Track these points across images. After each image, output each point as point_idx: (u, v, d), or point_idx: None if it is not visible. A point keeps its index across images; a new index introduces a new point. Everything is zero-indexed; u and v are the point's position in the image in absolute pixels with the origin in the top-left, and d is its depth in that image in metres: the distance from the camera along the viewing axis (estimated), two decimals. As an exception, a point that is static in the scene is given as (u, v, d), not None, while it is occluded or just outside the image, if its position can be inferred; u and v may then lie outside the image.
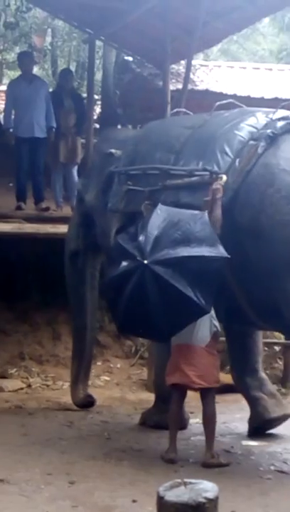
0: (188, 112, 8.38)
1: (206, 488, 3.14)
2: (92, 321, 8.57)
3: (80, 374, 8.45)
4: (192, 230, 6.21)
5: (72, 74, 12.38)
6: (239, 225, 6.51)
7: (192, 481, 3.19)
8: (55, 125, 10.70)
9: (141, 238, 6.27)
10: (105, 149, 7.99)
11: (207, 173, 6.75)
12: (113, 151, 7.82)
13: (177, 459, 6.50)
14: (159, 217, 6.39)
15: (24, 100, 10.54)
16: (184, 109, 8.63)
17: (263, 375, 7.92)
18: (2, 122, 11.52)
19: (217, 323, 6.66)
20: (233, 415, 8.27)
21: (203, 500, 3.08)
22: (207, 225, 6.26)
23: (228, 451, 7.03)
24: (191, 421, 7.76)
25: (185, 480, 3.18)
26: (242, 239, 6.49)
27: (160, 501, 3.10)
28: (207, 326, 6.52)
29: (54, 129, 10.72)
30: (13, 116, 10.64)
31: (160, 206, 6.57)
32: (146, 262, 6.11)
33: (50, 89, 11.39)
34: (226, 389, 8.40)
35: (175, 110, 8.64)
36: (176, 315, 6.15)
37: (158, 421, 7.39)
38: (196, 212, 6.41)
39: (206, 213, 6.34)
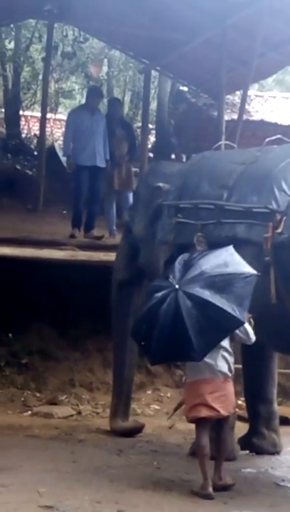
0: (232, 144, 8.51)
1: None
2: (131, 356, 8.57)
3: (119, 409, 8.55)
4: (233, 283, 6.33)
5: (120, 102, 12.53)
6: None
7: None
8: (108, 157, 10.88)
9: (192, 265, 6.47)
10: (152, 182, 8.12)
11: (267, 209, 6.82)
12: (161, 184, 7.94)
13: (213, 495, 6.35)
14: (220, 256, 6.57)
15: (86, 130, 10.71)
16: (228, 142, 8.75)
17: (276, 407, 8.22)
18: (61, 149, 11.67)
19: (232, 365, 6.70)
20: (285, 448, 8.18)
21: None
22: (249, 285, 6.35)
23: (278, 485, 6.94)
24: (241, 452, 7.72)
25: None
26: None
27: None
28: (227, 364, 6.56)
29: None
30: (72, 145, 10.75)
31: (229, 248, 6.68)
32: (177, 286, 6.30)
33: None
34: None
35: (218, 144, 8.70)
36: (171, 347, 6.25)
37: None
38: (250, 270, 6.45)
39: (255, 276, 6.39)
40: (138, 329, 6.68)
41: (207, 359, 6.38)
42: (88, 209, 10.90)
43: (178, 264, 6.59)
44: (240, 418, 8.43)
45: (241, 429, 8.18)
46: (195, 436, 7.53)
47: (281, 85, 22.20)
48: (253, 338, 6.58)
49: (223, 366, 6.54)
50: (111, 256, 9.50)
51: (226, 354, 6.57)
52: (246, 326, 6.48)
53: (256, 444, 8.01)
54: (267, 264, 6.71)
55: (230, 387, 6.66)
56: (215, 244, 7.01)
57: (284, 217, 6.75)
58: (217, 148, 8.60)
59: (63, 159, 13.63)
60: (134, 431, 8.48)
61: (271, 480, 7.08)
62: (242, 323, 6.30)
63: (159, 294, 6.37)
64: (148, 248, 7.96)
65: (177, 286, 6.31)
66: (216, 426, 6.73)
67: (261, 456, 7.93)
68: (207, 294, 6.23)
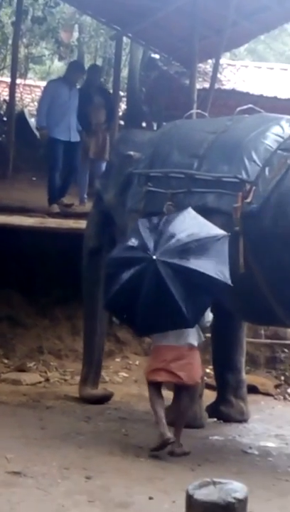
0: (204, 113, 8.54)
1: (235, 488, 3.12)
2: (102, 325, 8.58)
3: (89, 377, 8.57)
4: (208, 247, 6.35)
5: (100, 70, 12.37)
6: (271, 232, 6.67)
7: (222, 480, 3.17)
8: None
9: (160, 233, 6.43)
10: (123, 151, 8.12)
11: (237, 179, 6.86)
12: (132, 153, 7.92)
13: (172, 437, 6.52)
14: (185, 220, 6.55)
15: (63, 105, 10.59)
16: (199, 110, 8.75)
17: (244, 376, 8.30)
18: (31, 115, 11.54)
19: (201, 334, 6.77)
20: (251, 416, 8.25)
21: (233, 501, 3.05)
22: (225, 247, 6.39)
23: (245, 452, 7.01)
24: (208, 420, 7.78)
25: (215, 479, 3.16)
26: (274, 245, 6.66)
27: (190, 500, 3.08)
28: (196, 333, 6.64)
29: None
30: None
31: (189, 210, 6.70)
32: (154, 257, 6.27)
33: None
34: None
35: (189, 112, 8.68)
36: (161, 318, 6.33)
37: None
38: (220, 231, 6.50)
39: (227, 236, 6.45)
40: (115, 302, 6.64)
41: None
42: (63, 179, 10.82)
43: (143, 232, 6.52)
44: (208, 386, 8.50)
45: (209, 397, 8.24)
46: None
47: (253, 54, 22.16)
48: (208, 324, 6.69)
49: (190, 334, 6.60)
50: (81, 223, 9.46)
51: (196, 328, 6.61)
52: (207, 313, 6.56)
53: (224, 412, 8.06)
54: (236, 234, 6.75)
55: (196, 356, 6.72)
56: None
57: (254, 187, 6.80)
58: (189, 116, 8.57)
59: (32, 125, 13.58)
60: (103, 398, 8.49)
61: (239, 447, 7.15)
62: (227, 285, 6.27)
63: (137, 267, 6.32)
64: (118, 216, 7.96)
65: (154, 257, 6.27)
66: (177, 393, 6.86)
67: (229, 423, 8.00)
68: (187, 262, 6.24)
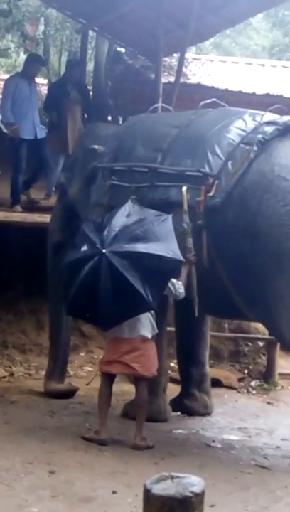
0: (168, 107, 8.62)
1: (193, 482, 3.13)
2: (67, 319, 8.56)
3: (55, 372, 8.59)
4: (154, 230, 6.52)
5: (78, 64, 12.26)
6: (234, 226, 6.71)
7: (180, 474, 3.18)
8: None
9: (105, 229, 6.55)
10: (88, 144, 8.10)
11: (199, 173, 6.88)
12: (96, 147, 7.92)
13: (108, 441, 6.65)
14: (126, 212, 6.70)
15: (25, 100, 10.39)
16: (164, 104, 8.77)
17: (208, 370, 8.35)
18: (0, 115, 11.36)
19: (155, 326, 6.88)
20: (215, 409, 8.30)
21: (190, 495, 3.06)
22: (169, 227, 6.54)
23: (209, 445, 7.05)
24: (172, 414, 7.81)
25: (173, 474, 3.18)
26: (236, 239, 6.71)
27: (147, 494, 3.09)
28: (149, 324, 6.77)
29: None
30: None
31: (129, 202, 6.87)
32: (104, 250, 6.40)
33: (53, 80, 11.25)
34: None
35: (154, 106, 8.69)
36: (122, 306, 6.42)
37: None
38: (162, 214, 6.70)
39: (170, 216, 6.60)
40: (76, 305, 6.74)
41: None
42: (32, 173, 10.71)
43: (89, 232, 6.66)
44: (172, 380, 8.52)
45: (173, 390, 8.27)
46: (126, 398, 7.66)
47: (218, 49, 22.19)
48: (181, 295, 6.69)
49: (143, 327, 6.72)
50: (46, 217, 9.44)
51: (149, 314, 6.71)
52: (175, 281, 6.59)
53: (188, 405, 8.10)
54: (199, 228, 6.78)
55: (151, 348, 6.84)
56: (149, 207, 7.05)
57: (217, 181, 6.84)
58: (153, 110, 8.57)
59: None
60: (68, 393, 8.50)
61: (202, 441, 7.20)
62: (179, 262, 6.47)
63: (88, 265, 6.43)
64: (83, 210, 7.94)
65: (104, 251, 6.40)
66: (136, 386, 6.94)
67: (193, 417, 8.06)
68: (136, 247, 6.39)
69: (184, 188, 6.87)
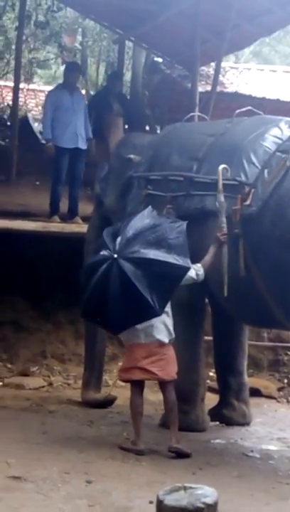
0: (204, 115, 8.68)
1: (206, 493, 3.12)
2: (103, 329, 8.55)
3: (91, 381, 8.64)
4: (167, 236, 6.53)
5: (119, 77, 12.28)
6: (271, 235, 6.68)
7: (193, 485, 3.17)
8: (91, 136, 10.70)
9: (121, 234, 6.59)
10: (124, 154, 8.14)
11: (236, 182, 6.87)
12: (132, 156, 7.94)
13: (145, 451, 6.66)
14: (142, 218, 6.69)
15: (67, 111, 10.44)
16: (200, 113, 8.77)
17: (246, 379, 8.31)
18: (34, 120, 11.40)
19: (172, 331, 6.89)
20: (254, 419, 8.25)
21: (202, 506, 3.06)
22: (182, 234, 6.57)
23: (247, 455, 7.01)
24: (211, 424, 7.78)
25: (186, 484, 3.17)
26: (273, 247, 6.68)
27: (160, 505, 3.10)
28: (165, 329, 6.80)
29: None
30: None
31: (148, 209, 6.84)
32: (115, 256, 6.43)
33: (93, 92, 11.27)
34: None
35: (190, 115, 8.68)
36: (129, 312, 6.45)
37: (179, 422, 7.37)
38: (177, 220, 6.74)
39: (185, 224, 6.61)
40: (89, 308, 6.79)
41: (140, 325, 6.63)
42: (70, 193, 10.60)
43: (106, 236, 6.69)
44: (211, 389, 8.50)
45: (212, 400, 8.24)
46: (163, 408, 7.65)
47: (258, 57, 22.11)
48: (201, 277, 6.75)
49: (160, 331, 6.76)
50: (83, 227, 9.51)
51: (165, 318, 6.73)
52: (195, 266, 6.69)
53: (226, 415, 8.06)
54: (236, 237, 6.76)
55: (169, 352, 6.87)
56: (185, 217, 7.05)
57: (253, 190, 6.80)
58: (189, 119, 8.58)
59: (36, 130, 13.55)
60: (106, 403, 8.50)
61: (240, 451, 7.15)
62: (187, 269, 6.52)
63: (101, 269, 6.48)
64: (119, 219, 7.94)
65: (115, 256, 6.43)
66: (162, 391, 6.94)
67: (231, 427, 8.02)
68: (146, 253, 6.42)
69: (221, 167, 6.84)
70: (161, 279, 6.41)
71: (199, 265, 6.75)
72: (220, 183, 6.82)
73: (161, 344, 6.78)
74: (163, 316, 6.69)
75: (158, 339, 6.76)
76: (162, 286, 6.42)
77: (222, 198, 6.78)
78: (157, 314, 6.49)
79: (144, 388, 7.05)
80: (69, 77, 10.81)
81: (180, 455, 6.67)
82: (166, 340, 6.81)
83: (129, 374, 6.87)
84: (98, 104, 11.12)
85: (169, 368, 6.83)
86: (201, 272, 6.74)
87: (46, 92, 13.52)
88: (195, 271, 6.70)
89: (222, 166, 6.85)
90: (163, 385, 6.93)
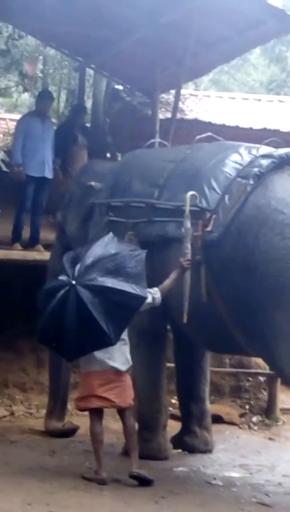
0: (165, 142, 8.73)
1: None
2: None
3: (55, 410, 8.59)
4: (125, 265, 6.53)
5: (85, 109, 12.26)
6: (232, 261, 6.69)
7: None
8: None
9: (81, 260, 6.57)
10: (85, 181, 8.16)
11: (197, 208, 6.88)
12: (93, 183, 7.95)
13: (108, 480, 6.61)
14: (102, 245, 6.68)
15: (36, 138, 10.42)
16: (159, 140, 8.81)
17: (208, 406, 8.28)
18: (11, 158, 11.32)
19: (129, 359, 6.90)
20: (216, 446, 8.24)
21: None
22: (141, 263, 6.58)
23: (210, 483, 6.98)
24: (173, 451, 7.75)
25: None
26: (234, 273, 6.68)
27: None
28: (122, 357, 6.80)
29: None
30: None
31: (108, 236, 6.82)
32: (74, 282, 6.42)
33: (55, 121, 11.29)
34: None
35: (150, 141, 8.72)
36: (84, 339, 6.44)
37: (140, 451, 7.35)
38: (137, 249, 6.77)
39: (144, 253, 6.64)
40: (45, 333, 6.74)
41: (97, 353, 6.62)
42: (32, 221, 10.54)
43: (65, 262, 6.67)
44: (173, 417, 8.47)
45: (173, 428, 8.21)
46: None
47: (217, 85, 22.33)
48: (158, 301, 6.75)
49: (115, 359, 6.74)
50: (45, 255, 9.49)
51: (122, 346, 6.76)
52: (152, 290, 6.71)
53: (189, 442, 8.04)
54: (198, 263, 6.77)
55: (126, 379, 6.87)
56: (147, 243, 7.07)
57: (214, 216, 6.81)
58: (150, 146, 8.61)
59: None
60: (69, 432, 8.45)
61: (203, 478, 7.13)
62: (144, 299, 6.53)
63: (58, 294, 6.46)
64: (80, 247, 7.93)
65: (74, 282, 6.42)
66: (121, 418, 6.92)
67: (194, 454, 8.00)
68: (104, 281, 6.41)
69: (189, 194, 6.85)
70: (118, 308, 6.41)
71: (156, 289, 6.76)
72: (187, 209, 6.82)
73: (118, 372, 6.78)
74: (120, 344, 6.69)
75: (114, 367, 6.75)
76: (118, 314, 6.43)
77: (188, 224, 6.79)
78: (112, 343, 6.48)
79: (104, 417, 7.01)
80: (41, 105, 10.82)
81: (142, 481, 6.65)
82: (123, 369, 6.81)
83: (86, 402, 6.84)
84: (63, 135, 11.11)
85: (126, 394, 6.84)
86: (158, 295, 6.75)
87: (8, 120, 13.56)
88: (152, 295, 6.71)
89: (190, 193, 6.87)
90: (121, 412, 6.93)
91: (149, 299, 6.68)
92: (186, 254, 6.79)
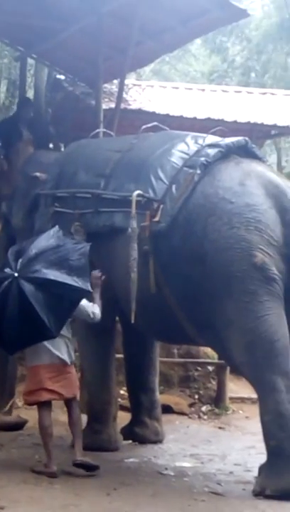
0: (110, 132, 8.65)
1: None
2: None
3: (1, 405, 8.56)
4: (68, 257, 6.50)
5: (31, 103, 12.07)
6: (180, 251, 6.66)
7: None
8: None
9: (24, 253, 6.54)
10: (29, 172, 8.07)
11: (144, 198, 6.80)
12: (38, 174, 7.86)
13: (58, 473, 6.61)
14: (46, 238, 6.64)
15: None
16: (104, 129, 8.74)
17: (158, 396, 8.29)
18: None
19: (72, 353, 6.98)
20: (167, 436, 8.22)
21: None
22: (84, 256, 6.55)
23: (161, 473, 6.95)
24: (123, 442, 7.71)
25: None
26: (182, 263, 6.65)
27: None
28: (67, 349, 6.87)
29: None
30: None
31: (54, 229, 6.78)
32: (16, 274, 6.36)
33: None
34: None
35: (95, 132, 8.65)
36: (26, 332, 6.39)
37: (90, 443, 7.34)
38: (81, 242, 6.75)
39: (88, 246, 6.61)
40: None
41: (46, 344, 6.65)
42: None
43: (10, 255, 6.62)
44: (122, 408, 8.45)
45: (123, 419, 8.18)
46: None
47: (158, 75, 22.26)
48: (97, 317, 6.79)
49: (63, 352, 6.80)
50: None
51: (65, 340, 6.82)
52: (91, 305, 6.73)
53: (139, 433, 8.02)
54: (146, 253, 6.71)
55: (71, 371, 6.92)
56: (93, 234, 7.00)
57: (161, 206, 6.77)
58: (95, 136, 8.53)
59: None
60: (17, 425, 8.36)
61: (154, 469, 7.12)
62: (86, 292, 6.51)
63: (2, 287, 6.37)
64: (26, 238, 7.83)
65: (16, 275, 6.36)
66: (67, 408, 6.96)
67: (144, 445, 7.99)
68: (46, 273, 6.35)
69: (135, 193, 6.80)
70: (59, 301, 6.37)
71: (96, 305, 6.81)
72: (134, 209, 6.75)
73: (65, 364, 6.79)
74: (65, 338, 6.78)
75: (62, 359, 6.78)
76: (60, 307, 6.39)
77: (134, 224, 6.72)
78: (53, 336, 6.45)
79: (52, 409, 6.97)
80: None
81: (88, 468, 6.64)
82: (68, 361, 6.84)
83: (36, 396, 6.80)
84: (7, 131, 10.95)
85: (73, 385, 6.89)
86: (97, 311, 6.80)
87: None
88: (92, 310, 6.77)
89: (136, 192, 6.80)
90: (68, 402, 6.95)
91: (89, 312, 6.75)
92: (132, 255, 6.70)
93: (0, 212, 8.85)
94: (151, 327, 7.35)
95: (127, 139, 7.75)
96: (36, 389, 6.77)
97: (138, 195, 6.83)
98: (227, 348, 6.64)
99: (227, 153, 7.00)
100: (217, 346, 7.03)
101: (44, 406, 6.82)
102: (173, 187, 6.84)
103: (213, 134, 7.27)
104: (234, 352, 6.55)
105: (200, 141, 7.14)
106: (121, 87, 11.39)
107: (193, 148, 7.06)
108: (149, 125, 7.64)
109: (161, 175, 6.93)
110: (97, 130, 8.91)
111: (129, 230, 6.73)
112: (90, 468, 6.66)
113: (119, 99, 11.38)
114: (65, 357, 6.79)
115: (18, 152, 10.72)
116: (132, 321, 6.78)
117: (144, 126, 7.55)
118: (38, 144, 11.47)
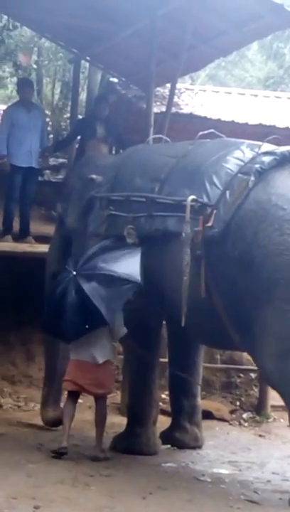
0: (166, 138, 8.69)
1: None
2: (64, 348, 8.42)
3: (50, 398, 8.53)
4: (122, 257, 7.23)
5: (107, 101, 12.15)
6: (231, 256, 6.65)
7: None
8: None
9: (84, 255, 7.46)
10: (86, 174, 8.11)
11: (198, 203, 6.81)
12: (94, 176, 7.91)
13: (68, 450, 7.17)
14: (101, 244, 7.44)
15: (22, 128, 10.35)
16: (163, 136, 8.77)
17: (199, 402, 8.31)
18: None
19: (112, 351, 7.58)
20: (206, 442, 8.18)
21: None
22: (136, 257, 7.18)
23: (198, 479, 6.93)
24: (162, 447, 7.70)
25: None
26: (231, 268, 6.65)
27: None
28: (102, 348, 7.37)
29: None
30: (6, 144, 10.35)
31: (106, 241, 7.45)
32: (74, 273, 7.25)
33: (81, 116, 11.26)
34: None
35: (156, 136, 8.66)
36: (83, 321, 7.19)
37: (129, 445, 7.35)
38: (135, 249, 7.29)
39: (140, 249, 7.20)
40: (49, 322, 7.61)
41: (83, 342, 7.26)
42: (21, 212, 10.46)
43: (69, 261, 7.52)
44: (163, 412, 8.42)
45: (163, 423, 8.16)
46: (116, 430, 7.61)
47: (213, 80, 22.23)
48: (121, 332, 7.32)
49: (98, 352, 7.30)
50: (36, 247, 9.44)
51: (104, 341, 7.34)
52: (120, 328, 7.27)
53: (178, 438, 8.00)
54: (198, 258, 6.71)
55: (105, 371, 7.44)
56: (146, 237, 7.06)
57: (215, 211, 6.77)
58: (154, 141, 8.57)
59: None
60: (61, 422, 8.34)
61: (192, 474, 7.09)
62: (138, 284, 7.04)
63: (62, 285, 7.30)
64: (80, 240, 7.93)
65: (74, 273, 7.22)
66: (96, 404, 7.55)
67: (183, 450, 7.95)
68: (101, 268, 7.19)
69: (189, 198, 6.85)
70: (112, 293, 7.08)
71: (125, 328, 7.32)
72: (188, 215, 6.76)
73: (96, 362, 7.31)
74: (103, 338, 7.32)
75: (94, 357, 7.29)
76: (113, 299, 7.08)
77: (188, 230, 6.73)
78: (107, 324, 7.13)
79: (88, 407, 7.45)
80: (22, 93, 10.76)
81: (58, 454, 7.16)
82: (101, 360, 7.31)
83: (67, 385, 7.49)
84: (83, 128, 11.03)
85: (101, 384, 7.43)
86: (123, 329, 7.29)
87: (1, 112, 13.40)
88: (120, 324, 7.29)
89: (190, 197, 6.82)
90: (97, 399, 7.51)
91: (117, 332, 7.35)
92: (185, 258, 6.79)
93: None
94: (198, 331, 7.35)
95: (183, 145, 7.75)
96: (68, 379, 7.42)
97: (193, 200, 6.84)
98: (259, 354, 6.60)
99: (282, 162, 6.96)
100: (253, 352, 6.97)
101: (71, 395, 7.45)
102: (227, 193, 6.83)
103: (268, 142, 7.23)
104: (266, 359, 6.51)
105: (256, 149, 7.11)
106: (173, 90, 11.40)
107: (249, 155, 7.04)
108: (205, 132, 7.62)
109: (216, 181, 6.92)
110: (154, 135, 8.96)
111: (183, 234, 6.75)
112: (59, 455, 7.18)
113: (170, 103, 11.38)
114: (97, 355, 7.30)
115: (90, 150, 10.75)
116: (182, 325, 6.77)
117: (200, 133, 7.54)
118: (111, 143, 11.45)
